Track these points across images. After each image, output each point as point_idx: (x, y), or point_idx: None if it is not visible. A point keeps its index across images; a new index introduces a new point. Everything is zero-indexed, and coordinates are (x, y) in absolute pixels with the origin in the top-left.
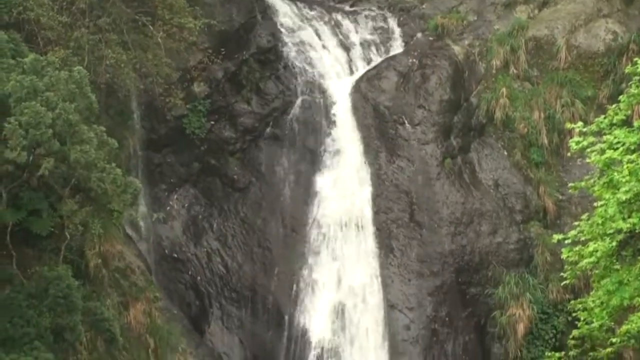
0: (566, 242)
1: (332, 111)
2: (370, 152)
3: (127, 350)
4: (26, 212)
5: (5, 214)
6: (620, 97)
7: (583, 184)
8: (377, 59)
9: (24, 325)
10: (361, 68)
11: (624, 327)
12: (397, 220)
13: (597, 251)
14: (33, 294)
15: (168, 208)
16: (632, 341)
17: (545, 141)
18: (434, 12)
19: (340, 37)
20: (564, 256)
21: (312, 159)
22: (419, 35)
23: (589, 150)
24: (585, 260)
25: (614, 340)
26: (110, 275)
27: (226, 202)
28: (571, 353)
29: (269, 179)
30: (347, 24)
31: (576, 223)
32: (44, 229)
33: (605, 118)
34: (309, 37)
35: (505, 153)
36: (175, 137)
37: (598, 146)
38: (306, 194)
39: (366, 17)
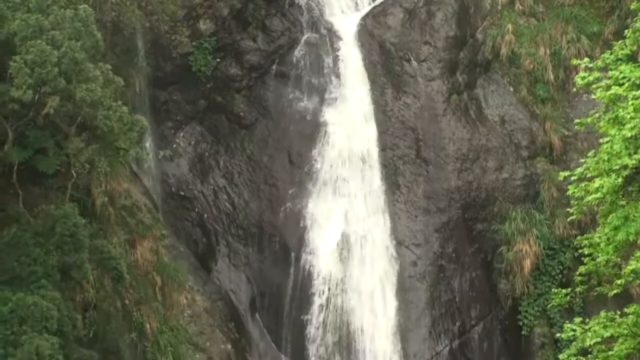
0: (572, 179)
1: (338, 48)
2: (376, 88)
3: (133, 288)
4: (32, 151)
5: (11, 153)
6: (626, 32)
7: (589, 120)
8: None
9: (31, 264)
10: (366, 4)
11: (630, 267)
12: (403, 156)
13: (602, 187)
14: (40, 233)
15: (174, 146)
16: (639, 282)
17: (551, 77)
18: None
19: None
20: (570, 193)
21: (318, 95)
22: None
23: (594, 86)
24: (591, 196)
25: (619, 282)
26: (116, 213)
27: (232, 140)
28: (578, 289)
29: (275, 116)
30: None
31: (582, 160)
32: (50, 167)
33: (611, 54)
34: None
35: (511, 89)
36: (181, 75)
37: (603, 82)
38: (312, 130)
39: None
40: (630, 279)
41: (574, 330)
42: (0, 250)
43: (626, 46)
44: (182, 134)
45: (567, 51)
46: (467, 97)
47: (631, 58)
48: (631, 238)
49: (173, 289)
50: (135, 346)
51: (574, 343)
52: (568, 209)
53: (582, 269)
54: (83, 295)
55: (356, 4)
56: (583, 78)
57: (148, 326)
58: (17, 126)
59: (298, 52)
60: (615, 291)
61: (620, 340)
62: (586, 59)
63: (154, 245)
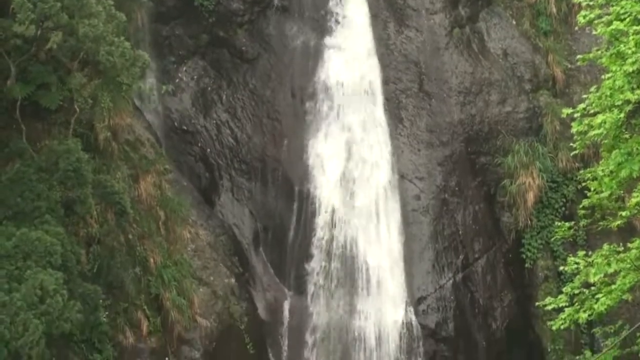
0: (575, 115)
1: None
2: (378, 22)
3: (137, 223)
4: (35, 86)
5: (14, 88)
6: None
7: (591, 55)
8: None
9: (35, 199)
10: None
11: (634, 199)
12: (406, 90)
13: (605, 123)
14: (43, 168)
15: (177, 80)
16: None
17: (554, 10)
18: None
19: None
20: (573, 130)
21: (320, 29)
22: None
23: (596, 22)
24: (594, 132)
25: (623, 214)
26: (119, 148)
27: (235, 74)
28: (581, 223)
29: (278, 50)
30: None
31: (585, 95)
32: (53, 102)
33: None
34: None
35: (514, 22)
36: (184, 9)
37: (605, 18)
38: (315, 64)
39: None
40: (635, 211)
41: (577, 264)
42: (3, 186)
43: None
44: (184, 69)
45: None
46: (469, 30)
47: None
48: (635, 175)
49: (176, 223)
50: (139, 280)
51: (577, 276)
52: (571, 144)
53: (585, 202)
54: (87, 230)
55: None
56: (584, 16)
57: (152, 260)
58: (19, 61)
59: None
60: (618, 222)
61: (622, 274)
62: None
63: (157, 180)
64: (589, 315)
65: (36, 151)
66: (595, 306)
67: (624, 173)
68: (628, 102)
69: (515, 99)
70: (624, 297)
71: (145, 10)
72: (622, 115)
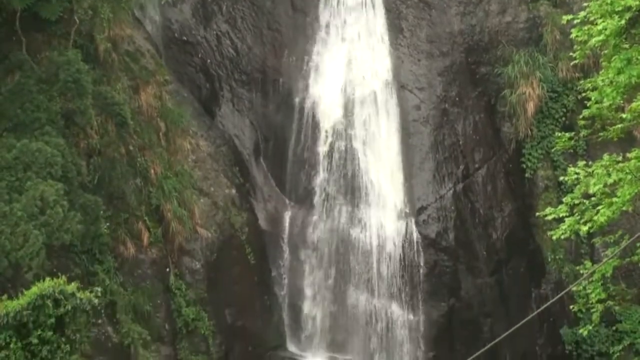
0: (575, 22)
1: None
2: None
3: (137, 134)
4: None
5: None
6: None
7: None
8: None
9: (35, 111)
10: None
11: (634, 104)
12: (406, 0)
13: (606, 29)
14: (43, 79)
15: None
16: None
17: None
18: None
19: None
20: (573, 36)
21: None
22: None
23: None
24: (594, 39)
25: (624, 116)
26: (120, 59)
27: None
28: (582, 133)
29: None
30: None
31: (585, 4)
32: (53, 13)
33: None
34: None
35: None
36: None
37: None
38: None
39: None
40: (636, 114)
41: (578, 174)
42: (4, 98)
43: None
44: None
45: None
46: None
47: None
48: (633, 81)
49: (177, 134)
50: (140, 191)
51: (577, 187)
52: (571, 53)
53: (585, 112)
54: (87, 142)
55: None
56: None
57: (152, 171)
58: None
59: None
60: (620, 126)
61: (622, 184)
62: None
63: (157, 91)
64: (589, 228)
65: (36, 63)
66: (596, 217)
67: (623, 79)
68: (629, 8)
69: (515, 9)
70: (624, 207)
71: None
72: (622, 22)
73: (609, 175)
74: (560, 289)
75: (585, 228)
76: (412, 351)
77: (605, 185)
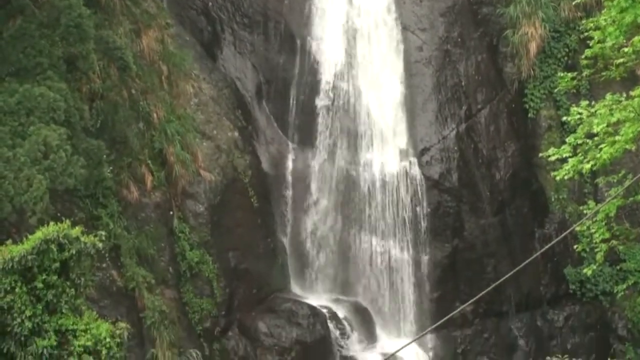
0: None
1: None
2: None
3: (140, 78)
4: None
5: None
6: None
7: None
8: None
9: (37, 55)
10: None
11: (636, 38)
12: None
13: None
14: (45, 24)
15: None
16: None
17: None
18: None
19: None
20: None
21: None
22: None
23: None
24: None
25: (626, 50)
26: (121, 3)
27: None
28: (584, 73)
29: None
30: None
31: None
32: None
33: None
34: None
35: None
36: None
37: None
38: None
39: None
40: (635, 56)
41: (580, 114)
42: (6, 42)
43: None
44: None
45: None
46: None
47: None
48: (639, 20)
49: (179, 77)
50: (142, 135)
51: (580, 127)
52: None
53: (588, 52)
54: (89, 86)
55: None
56: None
57: (155, 115)
58: None
59: None
60: (621, 60)
61: (626, 123)
62: None
63: (159, 35)
64: (592, 166)
65: (38, 7)
66: (599, 155)
67: (628, 18)
68: None
69: None
70: (627, 146)
71: None
72: None
73: (612, 114)
74: (564, 228)
75: (587, 166)
76: (417, 292)
77: (608, 125)
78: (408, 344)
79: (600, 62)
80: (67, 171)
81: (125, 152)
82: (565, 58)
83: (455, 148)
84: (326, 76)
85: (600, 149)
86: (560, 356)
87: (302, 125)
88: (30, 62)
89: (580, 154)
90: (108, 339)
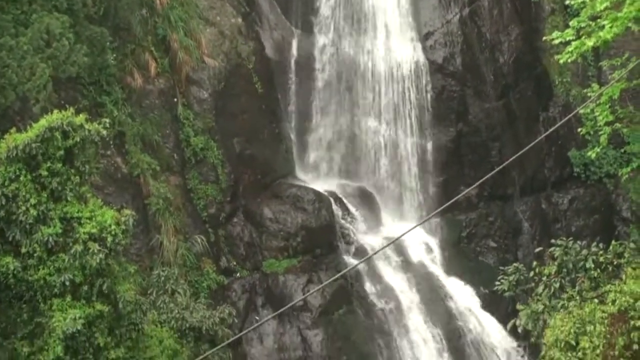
0: None
1: None
2: None
3: None
4: None
5: None
6: None
7: None
8: None
9: None
10: None
11: None
12: None
13: None
14: None
15: None
16: None
17: None
18: None
19: None
20: None
21: None
22: None
23: None
24: None
25: None
26: None
27: None
28: None
29: None
30: None
31: None
32: None
33: None
34: None
35: None
36: None
37: None
38: None
39: None
40: None
41: None
42: None
43: None
44: None
45: None
46: None
47: None
48: None
49: None
50: (146, 22)
51: (584, 10)
52: None
53: None
54: None
55: None
56: None
57: (158, 1)
58: None
59: None
60: None
61: (628, 2)
62: None
63: None
64: (595, 43)
65: None
66: (602, 34)
67: None
68: None
69: None
70: (631, 26)
71: None
72: None
73: None
74: (568, 112)
75: (590, 43)
76: (422, 176)
77: (611, 5)
78: (413, 228)
79: None
80: (70, 59)
81: (128, 39)
82: None
83: (459, 32)
84: None
85: (603, 26)
86: (564, 239)
87: (306, 10)
88: None
89: (583, 37)
90: (113, 226)
